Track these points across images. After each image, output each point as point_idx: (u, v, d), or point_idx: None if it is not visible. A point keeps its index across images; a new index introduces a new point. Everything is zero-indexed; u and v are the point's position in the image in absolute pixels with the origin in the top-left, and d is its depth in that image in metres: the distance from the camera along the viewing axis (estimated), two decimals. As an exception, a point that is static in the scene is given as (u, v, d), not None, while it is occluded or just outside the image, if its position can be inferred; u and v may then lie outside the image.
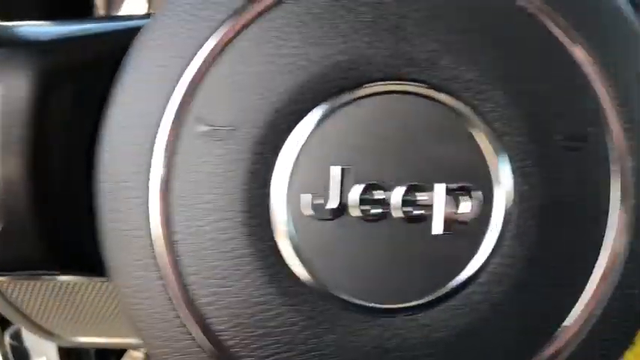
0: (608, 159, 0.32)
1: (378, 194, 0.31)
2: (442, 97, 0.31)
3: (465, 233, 0.31)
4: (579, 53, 0.31)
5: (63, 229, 0.35)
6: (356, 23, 0.31)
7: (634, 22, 0.32)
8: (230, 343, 0.32)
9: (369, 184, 0.31)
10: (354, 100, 0.31)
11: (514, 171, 0.31)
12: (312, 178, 0.31)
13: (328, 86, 0.31)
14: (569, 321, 0.32)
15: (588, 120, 0.31)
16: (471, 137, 0.31)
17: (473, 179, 0.31)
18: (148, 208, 0.32)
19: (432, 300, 0.32)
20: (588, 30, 0.31)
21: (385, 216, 0.31)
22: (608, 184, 0.32)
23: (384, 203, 0.31)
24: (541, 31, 0.31)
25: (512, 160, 0.31)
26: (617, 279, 0.32)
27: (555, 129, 0.31)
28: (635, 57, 0.32)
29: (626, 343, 0.33)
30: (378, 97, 0.31)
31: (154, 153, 0.31)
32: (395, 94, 0.31)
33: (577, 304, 0.32)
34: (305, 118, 0.31)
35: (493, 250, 0.31)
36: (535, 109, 0.31)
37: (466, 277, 0.31)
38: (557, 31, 0.31)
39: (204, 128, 0.31)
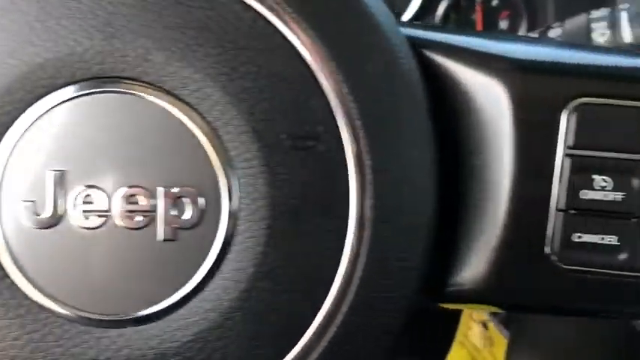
0: (344, 158, 0.30)
1: (98, 200, 0.29)
2: (160, 95, 0.29)
3: (192, 239, 0.30)
4: (307, 49, 0.30)
5: None
6: (64, 20, 0.29)
7: (369, 17, 0.31)
8: None
9: (88, 190, 0.29)
10: (69, 100, 0.29)
11: (239, 172, 0.30)
12: (28, 185, 0.29)
13: (40, 86, 0.29)
14: (311, 328, 0.31)
15: (318, 118, 0.30)
16: (194, 137, 0.30)
17: (198, 182, 0.30)
18: None
19: (161, 310, 0.30)
20: (317, 25, 0.30)
21: (106, 223, 0.30)
22: (346, 184, 0.30)
23: (104, 210, 0.29)
24: (264, 26, 0.30)
25: (236, 161, 0.30)
26: (358, 283, 0.31)
27: (281, 128, 0.30)
28: (367, 52, 0.31)
29: (374, 347, 0.32)
30: (94, 96, 0.29)
31: None
32: (111, 93, 0.29)
33: (319, 310, 0.31)
34: (17, 121, 0.29)
35: (222, 256, 0.30)
36: (258, 107, 0.29)
37: (195, 285, 0.30)
38: (282, 27, 0.30)
39: None
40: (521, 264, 0.33)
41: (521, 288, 0.34)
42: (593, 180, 0.33)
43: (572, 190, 0.33)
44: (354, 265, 0.31)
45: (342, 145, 0.30)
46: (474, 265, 0.34)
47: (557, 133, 0.33)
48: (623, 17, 0.49)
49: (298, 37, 0.30)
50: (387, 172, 0.31)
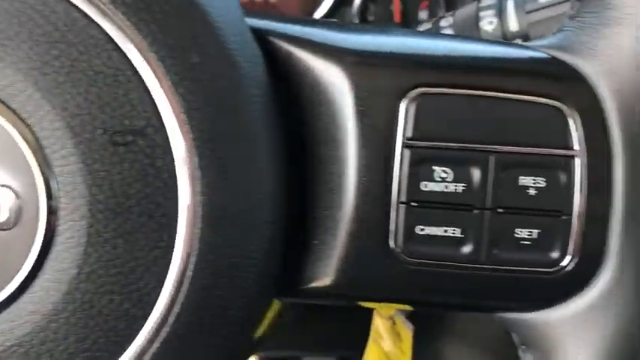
0: (171, 153, 0.29)
1: None
2: None
3: (11, 241, 0.29)
4: (125, 41, 0.29)
5: None
6: None
7: (195, 6, 0.30)
8: None
9: None
10: None
11: (57, 170, 0.29)
12: None
13: None
14: (143, 330, 0.30)
15: (138, 113, 0.29)
16: (8, 135, 0.28)
17: (14, 181, 0.29)
18: None
19: None
20: (135, 16, 0.29)
21: None
22: (174, 181, 0.29)
23: None
24: (78, 18, 0.28)
25: (52, 159, 0.29)
26: (190, 282, 0.30)
27: (98, 123, 0.29)
28: (192, 43, 0.30)
29: (214, 348, 0.31)
30: None
31: None
32: None
33: (151, 312, 0.30)
34: None
35: (42, 257, 0.29)
36: (72, 102, 0.28)
37: (15, 287, 0.29)
38: (98, 18, 0.28)
39: None
40: (367, 258, 0.33)
41: (369, 281, 0.33)
42: (433, 171, 0.32)
43: (413, 181, 0.32)
44: (185, 265, 0.30)
45: (168, 140, 0.29)
46: (325, 260, 0.33)
47: (397, 124, 0.32)
48: (510, 5, 0.48)
49: (116, 29, 0.29)
50: (217, 167, 0.30)
